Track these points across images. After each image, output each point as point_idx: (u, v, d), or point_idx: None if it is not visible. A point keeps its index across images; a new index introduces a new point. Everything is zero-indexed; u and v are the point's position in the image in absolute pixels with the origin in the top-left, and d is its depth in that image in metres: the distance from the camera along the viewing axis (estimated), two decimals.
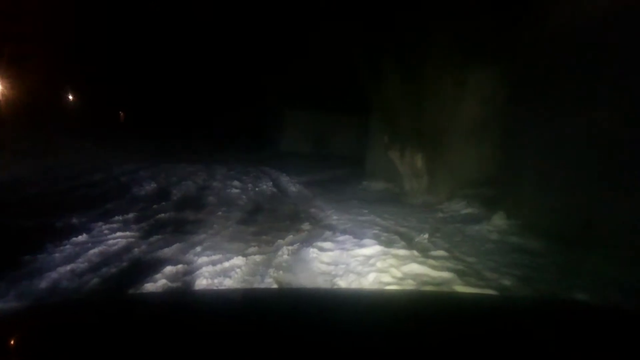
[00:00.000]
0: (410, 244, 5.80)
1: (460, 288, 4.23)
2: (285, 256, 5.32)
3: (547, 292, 4.37)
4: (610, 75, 5.65)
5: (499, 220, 7.08)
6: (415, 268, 4.69)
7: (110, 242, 5.51)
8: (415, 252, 5.17)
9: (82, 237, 5.54)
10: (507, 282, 4.56)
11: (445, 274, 4.56)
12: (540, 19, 7.02)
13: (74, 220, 6.38)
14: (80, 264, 4.68)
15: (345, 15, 11.10)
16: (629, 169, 5.33)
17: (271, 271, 4.72)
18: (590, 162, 5.93)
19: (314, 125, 22.84)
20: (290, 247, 5.64)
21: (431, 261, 4.96)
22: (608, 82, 5.69)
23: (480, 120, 8.97)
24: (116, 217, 6.64)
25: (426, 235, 6.20)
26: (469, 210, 8.13)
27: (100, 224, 6.22)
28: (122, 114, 40.75)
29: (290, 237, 6.18)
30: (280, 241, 5.94)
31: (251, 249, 5.50)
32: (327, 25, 13.01)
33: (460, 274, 4.64)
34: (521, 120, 7.55)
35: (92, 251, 5.09)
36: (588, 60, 6.03)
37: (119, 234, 5.85)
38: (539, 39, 7.07)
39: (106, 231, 5.93)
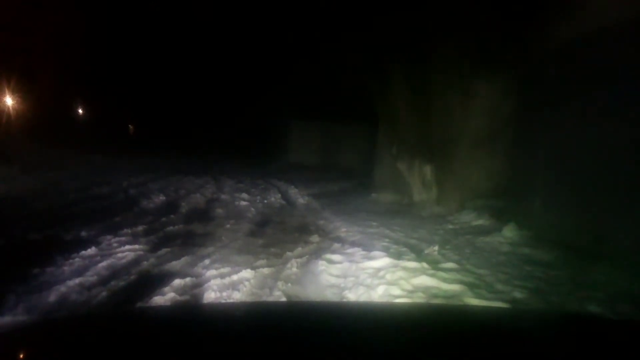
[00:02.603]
0: (420, 256, 5.75)
1: (472, 301, 4.18)
2: (294, 269, 5.29)
3: (560, 305, 4.30)
4: (621, 86, 5.61)
5: (509, 232, 7.01)
6: (425, 280, 4.64)
7: (119, 255, 5.50)
8: (425, 265, 5.12)
9: (91, 250, 5.54)
10: (518, 294, 4.49)
11: (456, 287, 4.51)
12: (547, 30, 7.01)
13: (83, 233, 6.39)
14: (89, 277, 4.67)
15: (354, 26, 11.15)
16: None
17: (280, 284, 4.68)
18: (601, 173, 5.87)
19: (322, 136, 22.84)
20: (299, 260, 5.61)
21: (441, 273, 4.91)
22: (618, 93, 5.66)
23: (489, 131, 8.94)
24: (125, 230, 6.65)
25: (436, 247, 6.14)
26: (479, 222, 8.07)
27: (109, 237, 6.22)
28: (131, 127, 41.04)
29: (299, 250, 6.15)
30: (289, 253, 5.91)
31: (260, 262, 5.48)
32: (335, 36, 13.04)
33: (472, 286, 4.58)
34: (530, 131, 7.52)
35: (101, 264, 5.08)
36: (597, 71, 6.00)
37: (127, 247, 5.85)
38: (547, 49, 7.05)
39: (115, 244, 5.93)
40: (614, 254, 5.46)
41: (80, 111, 34.95)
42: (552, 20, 6.88)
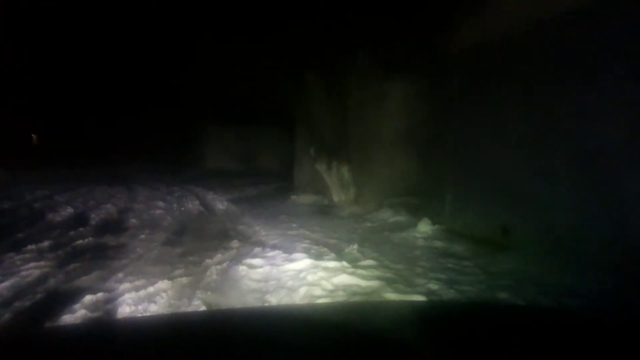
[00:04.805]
0: (339, 255, 5.83)
1: (390, 296, 4.29)
2: (214, 276, 5.17)
3: (473, 294, 4.52)
4: (521, 87, 6.01)
5: (424, 227, 7.30)
6: (345, 279, 4.71)
7: (23, 273, 5.12)
8: (345, 263, 5.20)
9: None
10: (434, 286, 4.67)
11: (375, 283, 4.62)
12: (453, 36, 7.36)
13: None
14: None
15: (269, 30, 11.14)
16: (540, 179, 5.67)
17: (199, 293, 4.57)
18: (503, 170, 6.26)
19: (240, 140, 22.61)
20: (218, 267, 5.50)
21: (361, 271, 5.01)
22: (518, 94, 6.06)
23: (403, 133, 9.25)
24: (29, 247, 6.20)
25: (355, 246, 6.26)
26: (395, 219, 8.32)
27: (11, 254, 5.78)
28: (34, 136, 38.49)
29: (218, 256, 6.03)
30: (208, 261, 5.78)
31: (177, 272, 5.31)
32: (250, 39, 12.95)
33: (389, 281, 4.71)
34: (442, 132, 7.87)
35: (2, 284, 4.70)
36: (499, 73, 6.39)
37: (32, 264, 5.46)
38: (454, 54, 7.41)
39: (18, 262, 5.51)
40: (519, 244, 5.84)
41: None
42: (457, 26, 7.24)
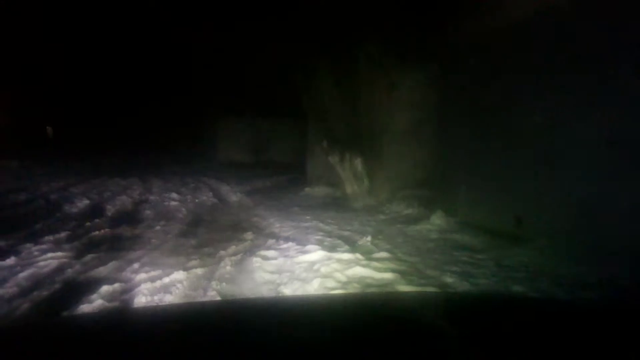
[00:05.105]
0: (353, 247, 5.84)
1: (404, 288, 4.29)
2: (228, 267, 5.21)
3: (486, 287, 4.51)
4: (533, 75, 5.95)
5: (437, 220, 7.28)
6: (359, 271, 4.72)
7: (41, 263, 5.20)
8: (358, 255, 5.21)
9: (10, 261, 5.20)
10: (448, 279, 4.67)
11: (389, 275, 4.62)
12: (464, 23, 7.30)
13: (1, 243, 6.00)
14: (9, 289, 4.39)
15: (279, 21, 11.12)
16: (554, 169, 5.61)
17: (214, 284, 4.60)
18: (518, 161, 6.21)
19: (252, 133, 22.63)
20: (233, 258, 5.54)
21: (374, 263, 5.01)
22: (531, 82, 5.99)
23: (414, 123, 9.21)
24: (46, 238, 6.29)
25: (369, 238, 6.26)
26: (409, 211, 8.31)
27: (29, 245, 5.87)
28: (49, 129, 38.84)
29: (232, 248, 6.07)
30: (222, 252, 5.83)
31: (192, 263, 5.36)
32: (261, 31, 12.95)
33: (403, 274, 4.71)
34: (453, 122, 7.82)
35: (21, 275, 4.79)
36: (511, 61, 6.32)
37: (50, 254, 5.54)
38: (465, 41, 7.34)
39: (36, 253, 5.60)
40: (532, 236, 5.81)
41: None
42: (470, 11, 7.17)
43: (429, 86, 8.82)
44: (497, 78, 6.61)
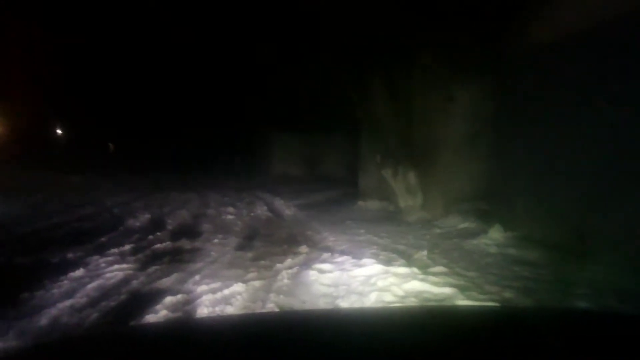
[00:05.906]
0: (409, 261, 5.80)
1: (463, 303, 4.22)
2: (285, 280, 5.29)
3: (549, 303, 4.38)
4: (598, 87, 5.76)
5: (495, 234, 7.12)
6: (416, 285, 4.68)
7: (108, 275, 5.45)
8: (415, 270, 5.17)
9: (79, 272, 5.47)
10: (509, 294, 4.56)
11: (447, 290, 4.56)
12: (522, 36, 7.16)
13: (70, 255, 6.32)
14: (79, 299, 4.62)
15: (331, 35, 11.24)
16: (621, 180, 5.39)
17: (272, 296, 4.69)
18: (581, 172, 6.00)
19: (304, 147, 22.89)
20: (289, 271, 5.61)
21: (432, 277, 4.96)
22: (596, 93, 5.80)
23: (470, 135, 9.07)
24: (112, 250, 6.58)
25: (425, 252, 6.20)
26: (465, 225, 8.16)
27: (96, 257, 6.16)
28: (111, 145, 40.63)
29: (288, 261, 6.15)
30: (279, 265, 5.91)
31: (250, 275, 5.47)
32: (314, 45, 13.13)
33: (462, 288, 4.64)
34: (510, 134, 7.65)
35: (90, 285, 5.03)
36: (575, 71, 6.15)
37: (115, 266, 5.79)
38: (523, 54, 7.20)
39: (103, 264, 5.87)
40: (596, 251, 5.58)
41: (58, 132, 34.59)
42: (527, 23, 7.05)
43: (485, 97, 8.69)
44: (557, 88, 6.44)
